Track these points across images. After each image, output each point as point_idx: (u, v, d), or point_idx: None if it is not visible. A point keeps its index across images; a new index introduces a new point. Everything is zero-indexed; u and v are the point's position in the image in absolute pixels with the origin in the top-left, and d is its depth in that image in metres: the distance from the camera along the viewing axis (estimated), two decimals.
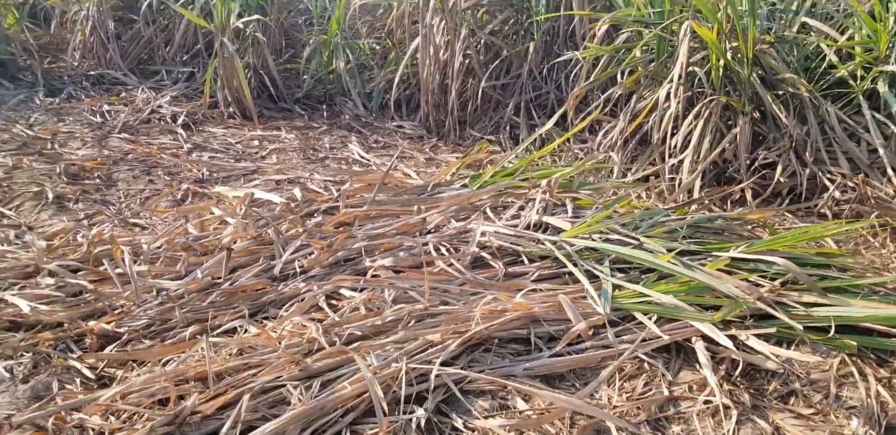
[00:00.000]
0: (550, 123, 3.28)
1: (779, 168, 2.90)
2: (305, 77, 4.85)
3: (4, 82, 4.94)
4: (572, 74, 3.77)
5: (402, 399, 1.58)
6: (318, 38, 4.79)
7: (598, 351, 1.77)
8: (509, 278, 2.15)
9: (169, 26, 5.15)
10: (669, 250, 2.13)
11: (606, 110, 3.48)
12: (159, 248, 2.33)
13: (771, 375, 1.72)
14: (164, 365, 1.72)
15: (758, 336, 1.81)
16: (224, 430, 1.48)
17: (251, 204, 2.71)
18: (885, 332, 1.82)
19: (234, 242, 2.36)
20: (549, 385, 1.69)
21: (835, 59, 3.05)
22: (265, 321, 1.95)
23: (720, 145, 2.96)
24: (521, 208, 2.55)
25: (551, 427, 1.54)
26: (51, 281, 2.11)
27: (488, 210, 2.54)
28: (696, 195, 2.87)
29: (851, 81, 3.03)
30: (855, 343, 1.77)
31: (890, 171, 2.78)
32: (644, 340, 1.79)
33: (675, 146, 3.02)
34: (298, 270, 2.21)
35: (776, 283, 1.98)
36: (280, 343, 1.75)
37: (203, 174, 3.34)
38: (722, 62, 2.98)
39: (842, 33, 3.13)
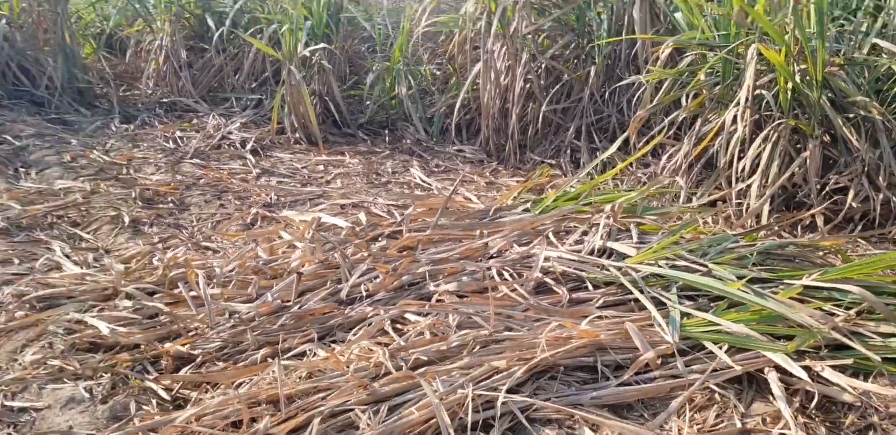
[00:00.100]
0: (614, 148, 3.27)
1: (851, 193, 2.83)
2: (368, 103, 4.95)
3: (82, 109, 5.18)
4: (634, 98, 3.75)
5: (469, 426, 1.58)
6: (381, 64, 4.90)
7: (667, 381, 1.74)
8: (573, 304, 2.14)
9: (238, 55, 5.33)
10: (739, 278, 2.09)
11: (670, 134, 3.45)
12: (231, 271, 2.40)
13: (847, 408, 1.67)
14: (237, 387, 1.77)
15: (833, 367, 1.76)
16: None
17: (318, 228, 2.77)
18: None
19: (303, 266, 2.41)
20: (616, 415, 1.67)
21: None
22: (333, 345, 1.98)
23: (789, 170, 2.90)
24: (585, 233, 2.54)
25: None
26: (128, 303, 2.19)
27: (551, 235, 2.54)
28: (764, 221, 2.81)
29: None
30: None
31: None
32: (715, 370, 1.75)
33: (743, 170, 2.98)
34: (364, 293, 2.24)
35: (851, 312, 1.93)
36: (348, 367, 1.78)
37: (271, 198, 3.42)
38: (790, 85, 2.93)
39: None
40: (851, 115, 2.97)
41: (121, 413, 1.74)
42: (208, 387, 1.81)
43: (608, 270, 2.24)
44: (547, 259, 2.30)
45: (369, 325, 2.01)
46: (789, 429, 1.57)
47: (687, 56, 3.42)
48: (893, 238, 2.73)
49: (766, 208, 2.86)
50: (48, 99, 5.16)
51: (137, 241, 2.85)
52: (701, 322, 1.95)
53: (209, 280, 2.31)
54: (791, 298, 2.00)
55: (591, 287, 2.21)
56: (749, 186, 2.94)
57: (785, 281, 2.13)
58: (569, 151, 4.04)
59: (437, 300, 2.16)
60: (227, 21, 5.28)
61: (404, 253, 2.53)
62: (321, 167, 4.09)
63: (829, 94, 2.98)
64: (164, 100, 5.37)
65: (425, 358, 1.84)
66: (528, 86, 4.12)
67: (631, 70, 3.91)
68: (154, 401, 1.77)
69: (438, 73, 5.04)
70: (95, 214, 3.13)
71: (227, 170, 3.90)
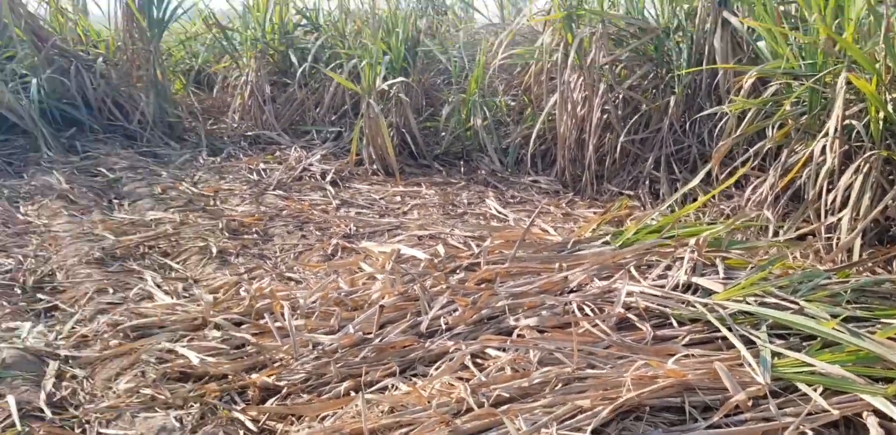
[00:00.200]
0: (697, 179, 3.20)
1: None
2: (444, 134, 5.02)
3: (172, 143, 5.42)
4: (716, 128, 3.68)
5: None
6: (456, 96, 4.96)
7: (758, 424, 1.68)
8: (658, 342, 2.09)
9: (319, 89, 5.51)
10: (833, 316, 2.01)
11: (754, 165, 3.37)
12: (314, 302, 2.44)
13: None
14: (322, 420, 1.79)
15: None
16: None
17: (397, 260, 2.80)
18: None
19: (383, 298, 2.43)
20: None
21: None
22: (414, 378, 1.99)
23: (882, 202, 2.78)
24: (668, 268, 2.49)
25: None
26: (217, 333, 2.26)
27: (633, 269, 2.50)
28: (856, 256, 2.70)
29: None
30: None
31: None
32: (810, 413, 1.68)
33: (833, 203, 2.87)
34: (444, 326, 2.25)
35: None
36: (430, 402, 1.78)
37: (350, 229, 3.49)
38: (882, 114, 2.83)
39: None
40: None
41: None
42: (293, 419, 1.84)
43: (694, 306, 2.18)
44: (629, 294, 2.26)
45: (451, 359, 2.01)
46: None
47: (771, 85, 3.35)
48: None
49: (858, 243, 2.75)
50: (140, 133, 5.43)
51: (224, 271, 2.94)
52: (793, 362, 1.88)
53: (293, 311, 2.36)
54: (889, 337, 1.90)
55: (675, 324, 2.16)
56: (839, 220, 2.83)
57: (882, 320, 2.04)
58: (647, 182, 3.99)
59: (518, 335, 2.15)
60: (310, 57, 5.47)
61: (483, 286, 2.53)
62: (398, 198, 4.15)
63: None
64: (249, 133, 5.57)
65: (507, 395, 1.82)
66: (605, 116, 4.10)
67: (712, 100, 3.84)
68: (241, 432, 1.81)
69: (513, 104, 5.08)
70: (185, 245, 3.25)
71: (308, 201, 4.01)
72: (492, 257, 2.77)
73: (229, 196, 4.11)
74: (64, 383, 2.09)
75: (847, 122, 2.93)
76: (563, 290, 2.45)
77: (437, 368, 2.00)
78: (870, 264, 2.68)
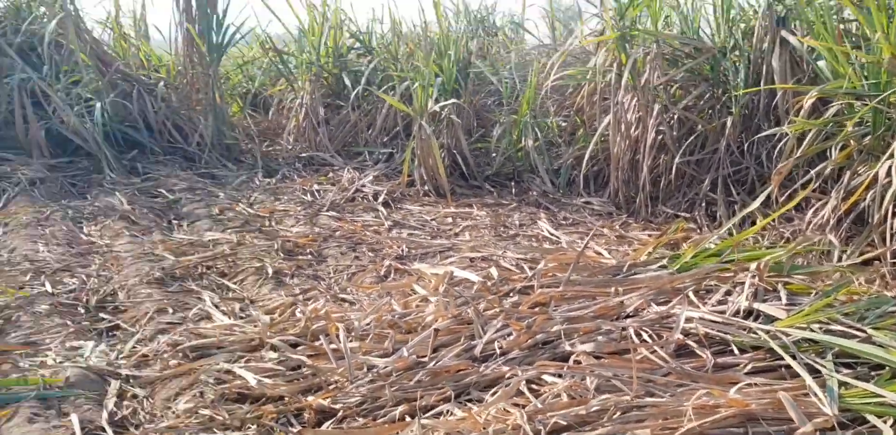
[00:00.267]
0: (757, 202, 3.12)
1: None
2: (495, 155, 5.02)
3: (229, 164, 5.54)
4: (775, 149, 3.61)
5: None
6: (507, 117, 4.97)
7: None
8: (718, 370, 2.04)
9: (371, 111, 5.58)
10: None
11: (815, 187, 3.29)
12: (368, 324, 2.45)
13: None
14: None
15: None
16: None
17: (450, 282, 2.80)
18: None
19: (436, 321, 2.43)
20: None
21: None
22: (469, 404, 1.97)
23: None
24: (728, 293, 2.44)
25: None
26: (273, 355, 2.28)
27: (691, 294, 2.45)
28: None
29: None
30: None
31: None
32: None
33: None
34: (498, 351, 2.23)
35: None
36: (486, 429, 1.76)
37: (403, 251, 3.50)
38: None
39: None
40: None
41: None
42: None
43: (756, 333, 2.13)
44: (688, 320, 2.21)
45: (506, 385, 1.99)
46: None
47: (832, 106, 3.28)
48: None
49: None
50: (199, 155, 5.57)
51: (280, 291, 2.98)
52: (861, 393, 1.81)
53: (347, 333, 2.37)
54: None
55: (736, 351, 2.10)
56: None
57: None
58: (704, 204, 3.92)
59: (574, 361, 2.12)
60: (363, 79, 5.56)
61: (537, 309, 2.51)
62: (450, 219, 4.16)
63: None
64: (303, 154, 5.67)
65: (564, 422, 1.80)
66: (659, 137, 4.06)
67: (770, 120, 3.78)
68: None
69: (565, 124, 5.06)
70: (241, 265, 3.31)
71: (361, 222, 4.04)
72: (545, 280, 2.74)
73: (284, 217, 4.18)
74: (125, 402, 2.13)
75: None
76: (620, 315, 2.42)
77: (492, 394, 1.98)
78: None
